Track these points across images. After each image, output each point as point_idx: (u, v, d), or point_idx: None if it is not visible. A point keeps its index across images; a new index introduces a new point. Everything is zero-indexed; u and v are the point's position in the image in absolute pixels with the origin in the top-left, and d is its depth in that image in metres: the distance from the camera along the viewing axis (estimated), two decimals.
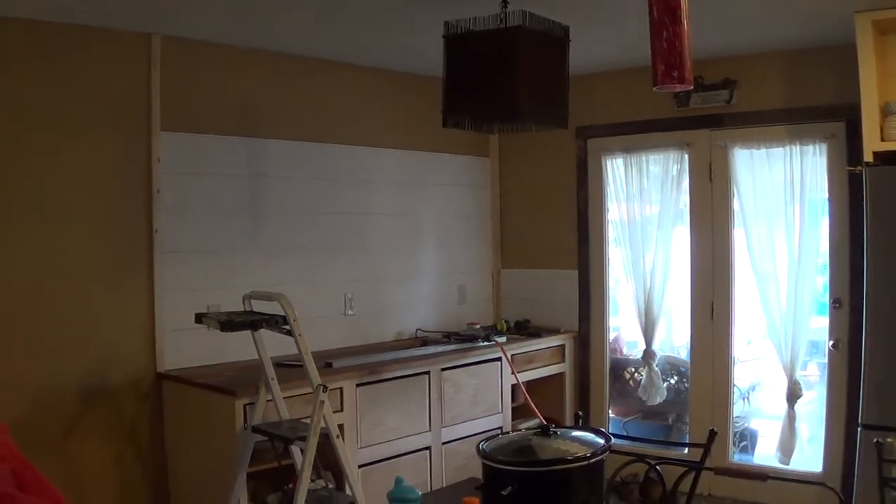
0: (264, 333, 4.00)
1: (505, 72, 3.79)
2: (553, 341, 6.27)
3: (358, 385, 4.80)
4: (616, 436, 2.78)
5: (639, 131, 6.05)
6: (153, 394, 4.74)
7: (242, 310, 4.09)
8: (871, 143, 4.36)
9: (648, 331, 6.10)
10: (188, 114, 4.88)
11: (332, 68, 5.59)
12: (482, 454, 2.55)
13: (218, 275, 4.98)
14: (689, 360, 6.08)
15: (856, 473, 4.32)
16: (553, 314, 6.51)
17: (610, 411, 6.50)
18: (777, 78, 5.48)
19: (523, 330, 6.30)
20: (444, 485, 5.11)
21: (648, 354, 6.10)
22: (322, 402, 3.76)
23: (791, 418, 5.43)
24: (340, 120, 5.68)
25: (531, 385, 5.92)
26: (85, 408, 4.48)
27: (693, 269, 5.93)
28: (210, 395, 4.41)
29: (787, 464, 5.40)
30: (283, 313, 3.79)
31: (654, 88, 3.24)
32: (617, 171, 6.23)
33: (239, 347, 4.55)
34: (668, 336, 6.56)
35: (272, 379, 4.07)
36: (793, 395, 5.42)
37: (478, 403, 5.54)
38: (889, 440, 3.44)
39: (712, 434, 3.25)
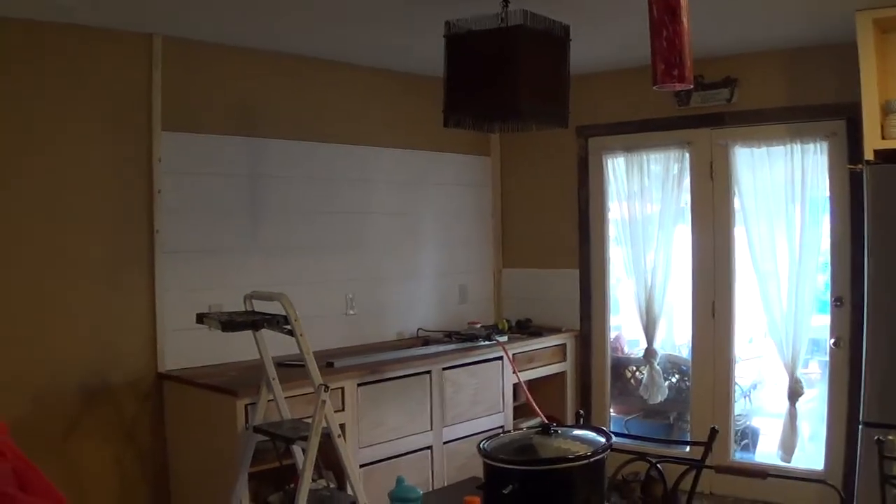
0: (265, 333, 4.00)
1: (506, 71, 3.79)
2: (554, 340, 6.27)
3: (359, 385, 4.80)
4: (617, 434, 2.79)
5: (639, 130, 6.05)
6: (154, 394, 4.74)
7: (244, 310, 4.09)
8: (872, 142, 4.36)
9: (649, 329, 6.10)
10: (189, 114, 4.88)
11: (332, 68, 5.59)
12: (483, 453, 2.55)
13: (219, 275, 4.98)
14: (690, 359, 6.08)
15: (857, 471, 4.32)
16: (554, 313, 6.51)
17: (611, 410, 6.50)
18: (778, 76, 5.48)
19: (524, 329, 6.30)
20: (446, 484, 5.11)
21: (650, 353, 6.10)
22: (323, 401, 3.77)
23: (792, 416, 5.43)
24: (341, 120, 5.68)
25: (532, 384, 5.92)
26: (86, 408, 4.48)
27: (694, 267, 5.93)
28: (211, 395, 4.41)
29: (789, 462, 5.41)
30: (284, 313, 3.79)
31: (655, 87, 3.24)
32: (618, 170, 6.23)
33: (240, 347, 4.55)
34: (670, 335, 6.57)
35: (273, 379, 4.07)
36: (794, 393, 5.42)
37: (479, 403, 5.54)
38: (890, 438, 3.44)
39: (713, 432, 3.25)
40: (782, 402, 5.52)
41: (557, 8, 3.98)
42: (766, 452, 5.89)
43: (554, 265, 6.56)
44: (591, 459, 2.47)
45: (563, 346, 6.35)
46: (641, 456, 3.26)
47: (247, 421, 4.21)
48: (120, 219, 4.62)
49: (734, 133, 5.67)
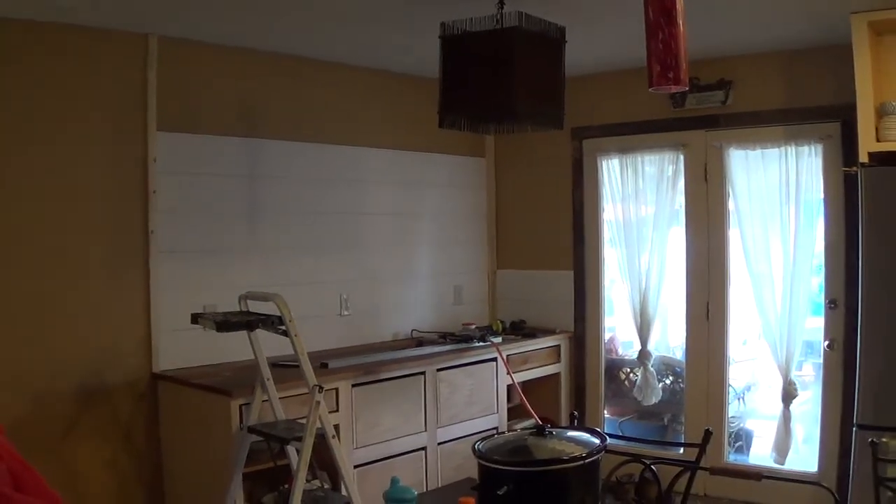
0: (260, 334, 4.00)
1: (501, 72, 3.80)
2: (548, 342, 6.27)
3: (354, 385, 4.80)
4: (612, 436, 2.79)
5: (634, 132, 6.06)
6: (149, 394, 4.74)
7: (238, 310, 4.09)
8: (867, 144, 4.37)
9: (644, 331, 6.10)
10: (184, 114, 4.88)
11: (328, 68, 5.59)
12: (478, 454, 2.55)
13: (214, 275, 4.98)
14: (684, 361, 6.09)
15: (851, 473, 4.33)
16: (549, 315, 6.51)
17: (605, 411, 6.50)
18: (773, 79, 5.48)
19: (519, 330, 6.30)
20: (440, 485, 5.12)
21: (644, 355, 6.10)
22: (318, 402, 3.77)
23: (786, 418, 5.44)
24: (337, 120, 5.68)
25: (527, 385, 5.93)
26: (81, 408, 4.47)
27: (688, 269, 5.93)
28: (206, 395, 4.41)
29: (783, 464, 5.42)
30: (278, 314, 3.79)
31: (650, 89, 3.25)
32: (612, 172, 6.23)
33: (235, 348, 4.54)
34: (664, 336, 6.57)
35: (268, 379, 4.07)
36: (788, 395, 5.43)
37: (473, 404, 5.55)
38: (884, 440, 3.45)
39: (707, 434, 3.25)
40: (776, 404, 5.52)
41: (553, 10, 3.99)
42: (760, 454, 5.90)
43: (548, 266, 6.57)
44: (586, 461, 2.47)
45: (558, 347, 6.35)
46: (636, 457, 3.26)
47: (241, 421, 4.20)
48: (115, 219, 4.62)
49: (729, 135, 5.68)
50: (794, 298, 5.40)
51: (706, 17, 4.45)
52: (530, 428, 2.74)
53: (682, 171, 5.91)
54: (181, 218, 4.86)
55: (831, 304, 5.30)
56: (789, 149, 5.40)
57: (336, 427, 4.32)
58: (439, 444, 5.31)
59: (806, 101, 5.33)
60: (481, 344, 5.70)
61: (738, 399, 6.27)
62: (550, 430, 2.66)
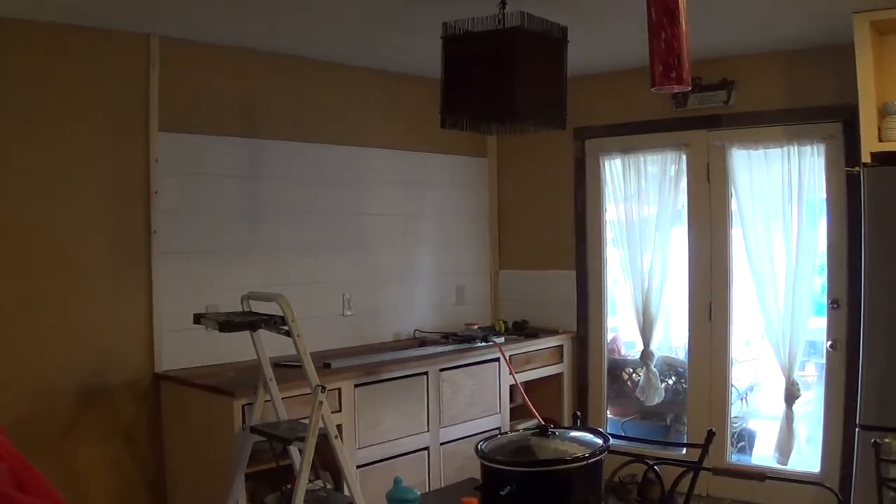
0: (263, 334, 4.00)
1: (503, 72, 3.79)
2: (551, 342, 6.27)
3: (356, 385, 4.80)
4: (614, 436, 2.78)
5: (636, 132, 6.06)
6: (151, 394, 4.74)
7: (241, 310, 4.09)
8: (869, 144, 4.36)
9: (646, 331, 6.10)
10: (186, 114, 4.88)
11: (330, 69, 5.59)
12: (481, 454, 2.55)
13: (216, 275, 4.98)
14: (686, 361, 6.08)
15: (854, 474, 4.32)
16: (551, 315, 6.51)
17: (608, 412, 6.50)
18: (775, 78, 5.48)
19: (521, 330, 6.30)
20: (443, 485, 5.11)
21: (646, 355, 6.10)
22: (320, 402, 3.77)
23: (789, 419, 5.43)
24: (339, 121, 5.68)
25: (529, 386, 5.93)
26: (83, 408, 4.47)
27: (691, 269, 5.93)
28: (208, 395, 4.41)
29: (785, 464, 5.41)
30: (281, 314, 3.79)
31: (653, 89, 3.24)
32: (615, 172, 6.23)
33: (237, 348, 4.55)
34: (666, 336, 6.57)
35: (270, 379, 4.07)
36: (791, 395, 5.43)
37: (476, 404, 5.55)
38: (887, 440, 3.44)
39: (710, 434, 3.25)
40: (779, 405, 5.52)
41: (555, 9, 3.98)
42: (763, 455, 5.89)
43: (551, 267, 6.57)
44: (589, 461, 2.47)
45: (560, 347, 6.35)
46: (638, 458, 3.26)
47: (244, 421, 4.21)
48: (117, 219, 4.62)
49: (731, 135, 5.68)
50: (797, 298, 5.39)
51: (708, 17, 4.45)
52: (533, 428, 2.73)
53: (685, 171, 5.91)
54: (183, 218, 4.87)
55: (834, 303, 5.30)
56: (792, 149, 5.40)
57: (338, 427, 4.32)
58: (442, 444, 5.31)
59: (808, 100, 5.32)
60: (484, 344, 5.70)
61: (741, 399, 6.26)
62: (553, 430, 2.66)
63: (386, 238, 5.98)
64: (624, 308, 6.48)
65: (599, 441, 2.59)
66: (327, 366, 4.83)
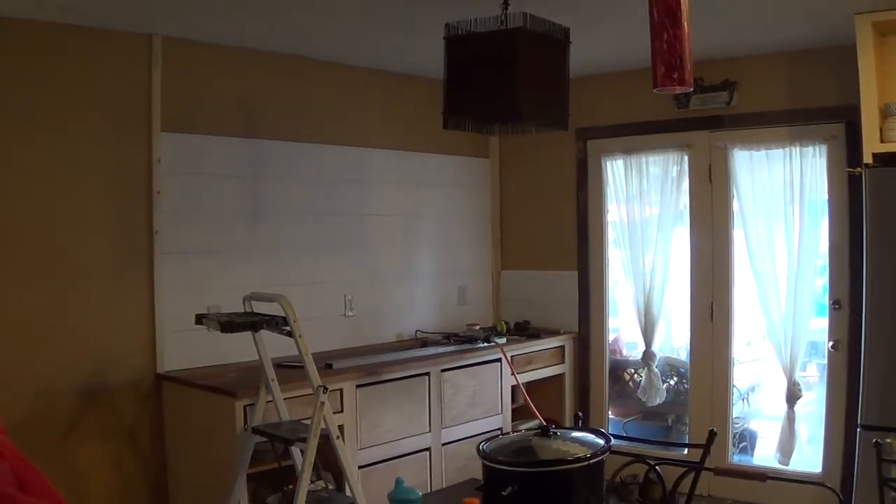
0: (264, 334, 4.00)
1: (506, 73, 3.79)
2: (553, 342, 6.27)
3: (358, 386, 4.80)
4: (616, 437, 2.78)
5: (638, 133, 6.06)
6: (153, 395, 4.74)
7: (243, 311, 4.09)
8: (871, 145, 4.36)
9: (648, 332, 6.10)
10: (189, 115, 4.88)
11: (332, 69, 5.59)
12: (483, 455, 2.55)
13: (218, 276, 4.98)
14: (688, 362, 6.08)
15: (855, 474, 4.33)
16: (553, 315, 6.51)
17: (609, 412, 6.50)
18: (777, 79, 5.48)
19: (523, 331, 6.30)
20: (444, 486, 5.12)
21: (648, 355, 6.10)
22: (322, 403, 3.77)
23: (790, 419, 5.43)
24: (341, 121, 5.68)
25: (531, 386, 5.93)
26: (85, 408, 4.48)
27: (692, 270, 5.93)
28: (210, 396, 4.41)
29: (787, 465, 5.41)
30: (283, 314, 3.79)
31: (655, 90, 3.24)
32: (617, 173, 6.24)
33: (239, 348, 4.55)
34: (668, 337, 6.56)
35: (272, 380, 4.07)
36: (792, 395, 5.43)
37: (477, 404, 5.55)
38: (888, 441, 3.45)
39: (712, 434, 3.25)
40: (780, 405, 5.52)
41: (557, 10, 3.99)
42: (764, 455, 5.89)
43: (553, 267, 6.57)
44: (590, 461, 2.47)
45: (562, 348, 6.35)
46: (640, 458, 3.26)
47: (245, 422, 4.21)
48: (119, 220, 4.62)
49: (733, 136, 5.68)
50: (799, 299, 5.39)
51: (710, 18, 4.45)
52: (535, 428, 2.74)
53: (687, 172, 5.91)
54: (185, 218, 4.87)
55: (835, 304, 5.30)
56: (793, 149, 5.40)
57: (340, 428, 4.32)
58: (443, 444, 5.31)
59: (810, 101, 5.33)
60: (485, 345, 5.70)
61: (743, 400, 6.26)
62: (555, 430, 2.66)
63: (387, 238, 5.98)
64: (625, 309, 6.48)
65: (601, 441, 2.60)
66: (329, 366, 4.83)
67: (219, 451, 4.33)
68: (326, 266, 5.58)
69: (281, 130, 5.34)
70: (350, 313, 5.72)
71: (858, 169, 4.36)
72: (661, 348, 6.27)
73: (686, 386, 6.17)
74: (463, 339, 5.80)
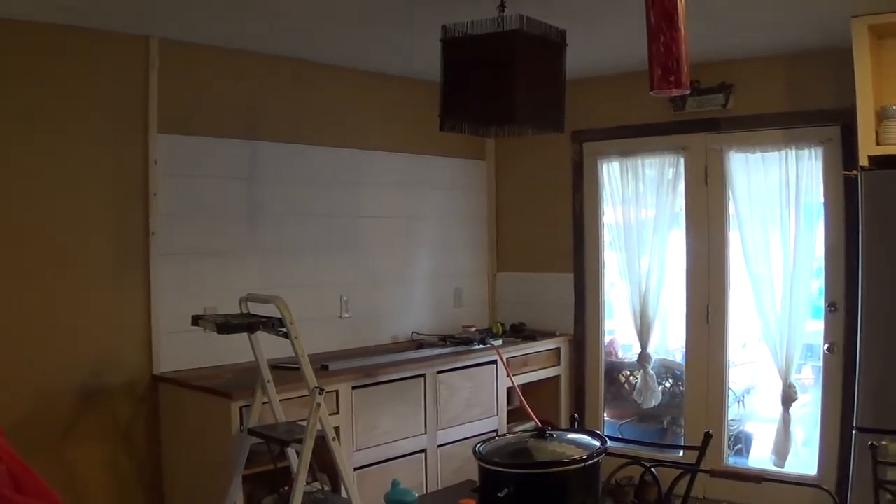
0: (261, 336, 4.00)
1: (502, 75, 3.79)
2: (548, 344, 6.27)
3: (354, 388, 4.80)
4: (611, 438, 2.78)
5: (635, 135, 6.07)
6: (149, 396, 4.73)
7: (239, 312, 4.09)
8: (867, 148, 4.36)
9: (643, 334, 6.11)
10: (185, 116, 4.88)
11: (328, 71, 5.59)
12: (479, 456, 2.56)
13: (214, 277, 4.98)
14: (684, 364, 6.09)
15: (851, 476, 4.33)
16: (548, 317, 6.51)
17: (605, 414, 6.50)
18: (773, 82, 5.49)
19: (519, 333, 6.30)
20: (440, 487, 5.12)
21: (643, 357, 6.10)
22: (318, 404, 3.77)
23: (786, 421, 5.44)
24: (337, 123, 5.68)
25: (526, 388, 5.93)
26: (81, 410, 4.47)
27: (688, 272, 5.93)
28: (206, 397, 4.40)
29: (782, 467, 5.41)
30: (279, 316, 3.79)
31: (652, 93, 3.25)
32: (613, 175, 6.24)
33: (235, 350, 4.55)
34: (663, 339, 6.58)
35: (268, 381, 4.07)
36: (788, 398, 5.43)
37: (473, 406, 5.55)
38: (884, 443, 3.47)
39: (707, 437, 3.25)
40: (776, 407, 5.52)
41: (554, 12, 3.99)
42: (759, 458, 5.90)
43: (549, 269, 6.57)
44: (587, 463, 2.48)
45: (558, 350, 6.35)
46: (636, 460, 3.26)
47: (241, 423, 4.20)
48: (115, 221, 4.62)
49: (729, 138, 5.68)
50: (794, 301, 5.40)
51: (707, 21, 4.46)
52: (531, 430, 2.74)
53: (683, 174, 5.92)
54: (181, 220, 4.87)
55: (831, 307, 5.31)
56: (789, 152, 5.41)
57: (336, 429, 4.32)
58: (439, 446, 5.31)
59: (806, 104, 5.33)
60: (481, 346, 5.70)
61: (738, 402, 6.28)
62: (551, 432, 2.67)
63: (384, 240, 5.98)
64: (621, 311, 6.50)
65: (597, 443, 2.60)
66: (325, 368, 4.83)
67: (215, 452, 4.33)
68: (323, 268, 5.58)
69: (278, 132, 5.33)
70: (346, 315, 5.72)
71: (854, 171, 4.37)
72: (656, 350, 6.28)
73: (681, 388, 6.18)
74: (459, 341, 5.80)
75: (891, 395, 4.21)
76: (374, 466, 4.89)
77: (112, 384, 4.59)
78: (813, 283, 5.51)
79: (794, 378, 5.47)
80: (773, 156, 5.50)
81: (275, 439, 3.95)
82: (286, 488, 3.97)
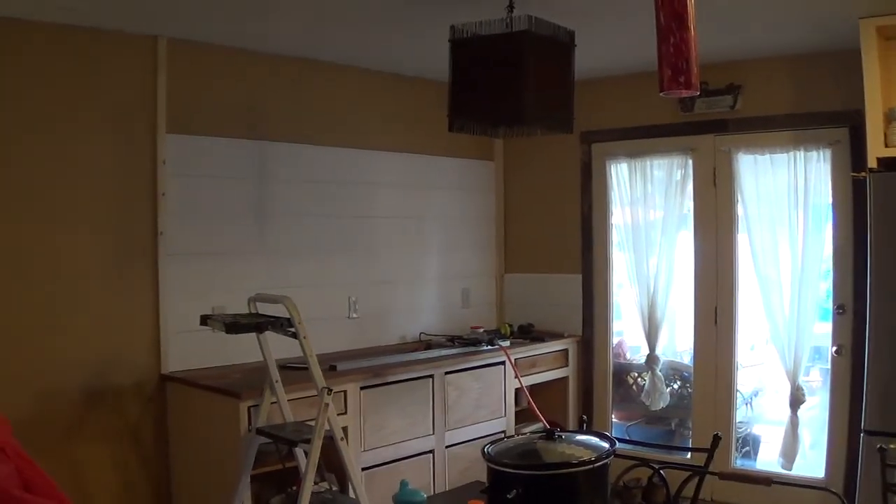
0: (269, 336, 4.00)
1: (511, 76, 3.80)
2: (556, 345, 6.27)
3: (362, 388, 4.80)
4: (619, 440, 2.78)
5: (643, 136, 6.06)
6: (157, 395, 4.75)
7: (247, 312, 4.10)
8: (875, 149, 4.36)
9: (652, 335, 6.10)
10: (194, 116, 4.89)
11: (337, 71, 5.60)
12: (487, 457, 2.55)
13: (223, 277, 4.99)
14: (692, 365, 6.08)
15: (858, 479, 4.32)
16: (557, 318, 6.51)
17: (613, 416, 6.50)
18: (781, 83, 5.48)
19: (527, 334, 6.29)
20: (448, 488, 5.11)
21: (652, 359, 6.10)
22: (326, 404, 3.77)
23: (794, 424, 5.43)
24: (346, 123, 5.69)
25: (534, 389, 5.93)
26: (89, 409, 4.48)
27: (696, 274, 5.93)
28: (214, 397, 4.41)
29: (790, 469, 5.41)
30: (288, 316, 3.80)
31: (661, 94, 3.24)
32: (621, 176, 6.24)
33: (244, 350, 4.56)
34: (672, 341, 6.56)
35: (276, 381, 4.08)
36: (796, 400, 5.42)
37: (481, 407, 5.55)
38: (892, 446, 3.45)
39: (716, 439, 3.25)
40: (784, 410, 5.51)
41: (562, 13, 3.99)
42: (767, 460, 5.89)
43: (557, 270, 6.57)
44: (595, 465, 2.47)
45: (566, 351, 6.35)
46: (644, 462, 3.26)
47: (249, 423, 4.21)
48: (124, 221, 4.63)
49: (737, 140, 5.68)
50: (803, 303, 5.39)
51: (715, 22, 4.46)
52: (539, 431, 2.74)
53: (691, 176, 5.91)
54: (190, 220, 4.88)
55: (839, 309, 5.30)
56: (798, 153, 5.40)
57: (344, 429, 4.32)
58: (447, 447, 5.31)
59: (814, 105, 5.32)
60: (489, 347, 5.70)
61: (746, 404, 6.26)
62: (560, 433, 2.66)
63: (392, 241, 5.99)
64: (629, 312, 6.48)
65: (606, 445, 2.60)
66: (333, 368, 4.83)
67: (222, 452, 4.34)
68: (331, 268, 5.59)
69: (286, 132, 5.34)
70: (354, 315, 5.73)
71: (863, 173, 4.37)
72: (664, 352, 6.27)
73: (689, 390, 6.17)
74: (467, 342, 5.80)
75: None
76: (383, 467, 4.89)
77: (120, 384, 4.61)
78: (821, 285, 5.50)
79: (802, 380, 5.46)
80: (782, 157, 5.49)
81: (283, 439, 3.95)
82: (294, 488, 3.98)
